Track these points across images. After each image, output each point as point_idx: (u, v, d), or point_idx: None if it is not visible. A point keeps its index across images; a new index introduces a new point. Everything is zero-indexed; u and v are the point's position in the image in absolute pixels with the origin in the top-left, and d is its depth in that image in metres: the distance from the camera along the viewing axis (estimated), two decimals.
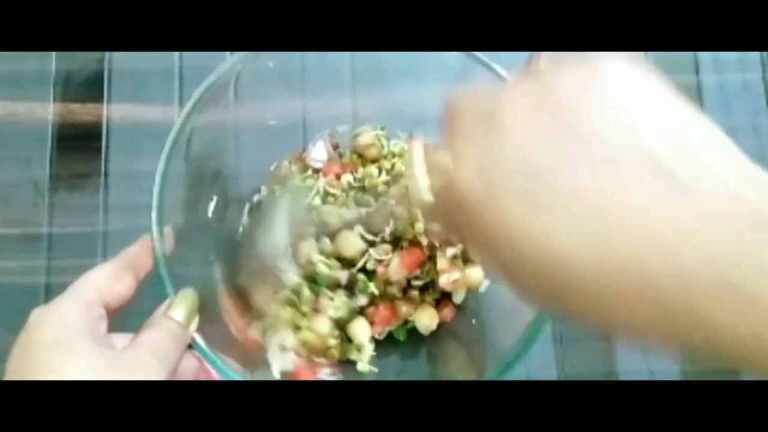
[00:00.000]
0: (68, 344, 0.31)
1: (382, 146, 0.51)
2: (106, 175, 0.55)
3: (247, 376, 0.38)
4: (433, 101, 0.30)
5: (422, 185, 0.26)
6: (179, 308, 0.36)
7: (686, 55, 0.59)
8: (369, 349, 0.46)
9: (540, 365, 0.53)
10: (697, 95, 0.59)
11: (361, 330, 0.47)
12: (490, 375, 0.41)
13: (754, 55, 0.59)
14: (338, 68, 0.53)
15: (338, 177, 0.50)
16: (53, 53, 0.57)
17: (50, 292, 0.53)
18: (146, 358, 0.33)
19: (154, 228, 0.38)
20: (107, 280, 0.35)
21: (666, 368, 0.53)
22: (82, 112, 0.57)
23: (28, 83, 0.57)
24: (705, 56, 0.59)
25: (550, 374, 0.53)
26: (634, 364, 0.53)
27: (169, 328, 0.35)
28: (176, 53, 0.57)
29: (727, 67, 0.59)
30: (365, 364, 0.46)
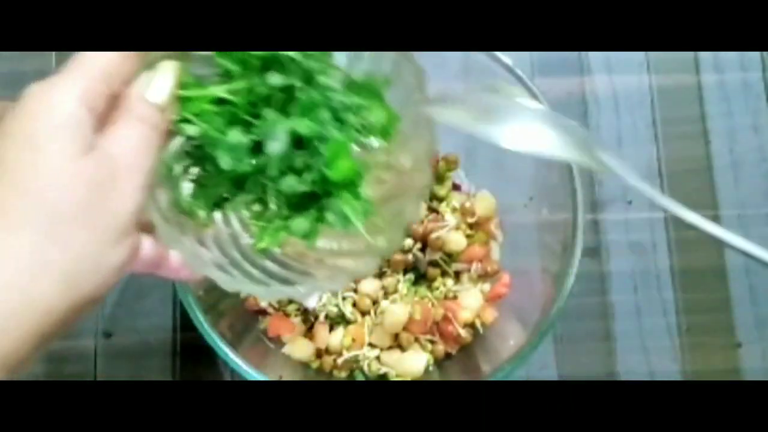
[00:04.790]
0: (44, 146, 0.27)
1: None
2: None
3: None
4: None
5: None
6: (159, 87, 0.30)
7: (686, 55, 0.59)
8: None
9: (540, 365, 0.53)
10: (697, 95, 0.59)
11: None
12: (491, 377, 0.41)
13: (754, 55, 0.59)
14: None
15: None
16: (53, 53, 0.57)
17: None
18: (124, 162, 0.28)
19: None
20: (115, 59, 0.29)
21: (666, 368, 0.53)
22: None
23: (28, 83, 0.57)
24: (705, 56, 0.59)
25: (550, 374, 0.53)
26: (634, 364, 0.53)
27: (145, 117, 0.29)
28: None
29: (727, 67, 0.59)
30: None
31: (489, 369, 0.43)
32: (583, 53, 0.58)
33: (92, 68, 0.29)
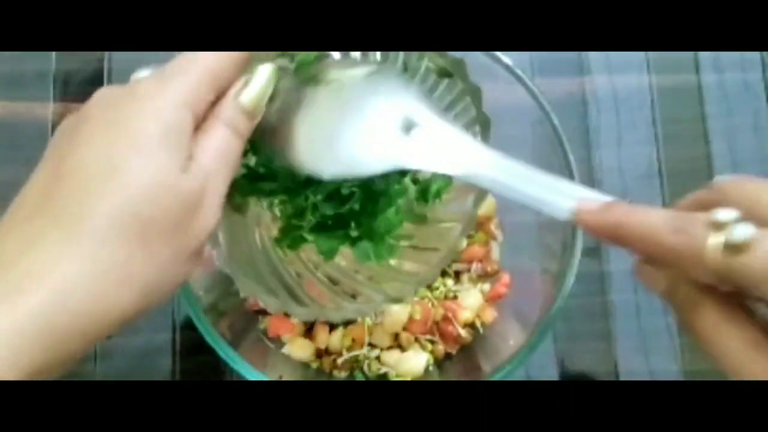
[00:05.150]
0: (149, 152, 0.27)
1: None
2: None
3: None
4: None
5: None
6: (251, 92, 0.30)
7: (686, 55, 0.59)
8: None
9: (540, 365, 0.53)
10: (697, 95, 0.59)
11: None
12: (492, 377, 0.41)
13: (754, 55, 0.59)
14: None
15: None
16: (53, 53, 0.57)
17: None
18: (213, 176, 0.28)
19: None
20: (224, 61, 0.29)
21: (666, 368, 0.53)
22: None
23: (28, 83, 0.57)
24: (705, 56, 0.59)
25: (550, 374, 0.53)
26: (634, 364, 0.53)
27: (235, 125, 0.29)
28: (176, 53, 0.57)
29: (727, 67, 0.59)
30: None
31: (489, 369, 0.43)
32: (583, 53, 0.58)
33: (202, 70, 0.29)
